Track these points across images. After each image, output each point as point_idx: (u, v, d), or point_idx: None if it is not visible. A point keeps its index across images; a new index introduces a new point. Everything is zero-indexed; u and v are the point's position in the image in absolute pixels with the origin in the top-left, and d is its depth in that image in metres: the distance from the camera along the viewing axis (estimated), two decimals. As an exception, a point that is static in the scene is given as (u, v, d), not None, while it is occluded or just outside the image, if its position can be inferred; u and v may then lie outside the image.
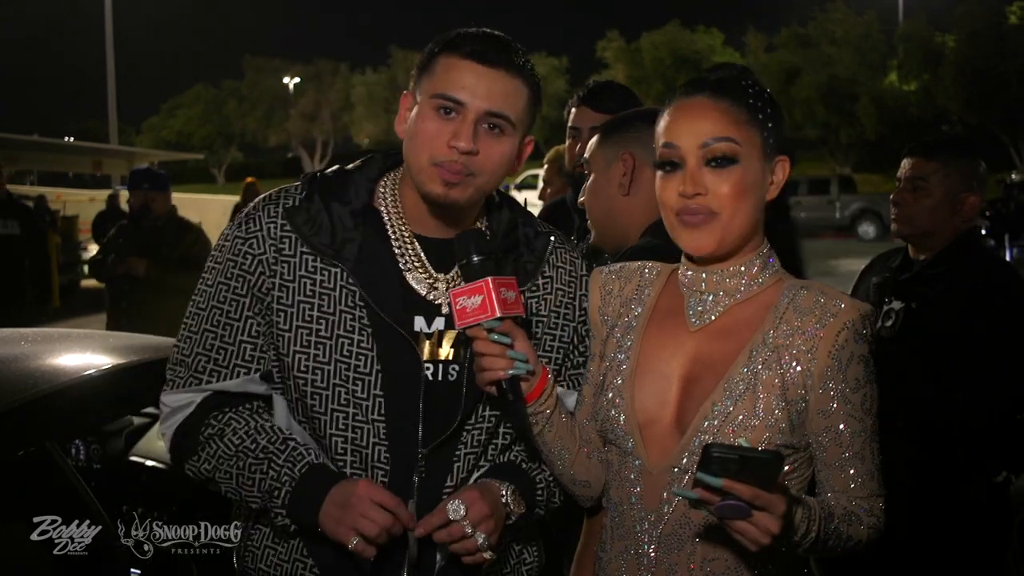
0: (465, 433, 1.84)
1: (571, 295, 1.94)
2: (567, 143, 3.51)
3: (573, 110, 3.40)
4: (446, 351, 1.83)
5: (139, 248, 6.24)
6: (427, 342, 1.82)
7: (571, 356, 1.95)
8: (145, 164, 8.01)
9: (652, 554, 1.72)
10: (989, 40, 38.40)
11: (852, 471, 1.69)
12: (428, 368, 1.82)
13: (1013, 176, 21.59)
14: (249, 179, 12.92)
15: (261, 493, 1.78)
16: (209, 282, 1.85)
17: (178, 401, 1.86)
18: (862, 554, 1.72)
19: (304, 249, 1.80)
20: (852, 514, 1.67)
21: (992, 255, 3.32)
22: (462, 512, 1.71)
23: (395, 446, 1.80)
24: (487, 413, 1.85)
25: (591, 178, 2.54)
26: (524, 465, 1.91)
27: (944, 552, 3.00)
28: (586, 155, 2.58)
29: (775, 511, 1.44)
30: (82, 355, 2.66)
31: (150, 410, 3.50)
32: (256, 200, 1.89)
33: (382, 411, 1.79)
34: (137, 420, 3.43)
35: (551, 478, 1.92)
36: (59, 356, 2.62)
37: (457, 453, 1.84)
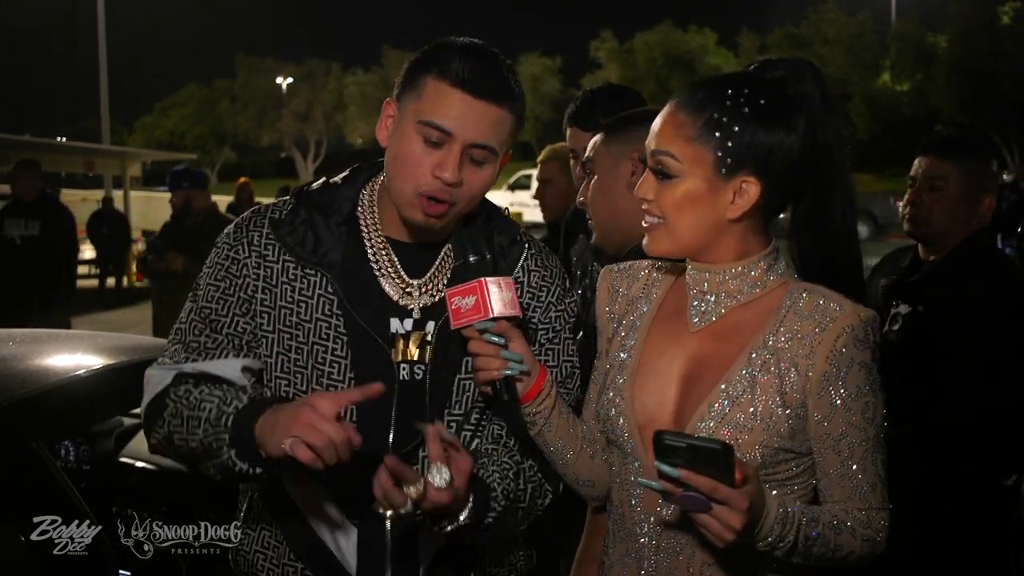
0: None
1: (540, 299, 1.94)
2: (571, 164, 3.42)
3: (567, 131, 3.33)
4: (413, 352, 1.85)
5: (180, 245, 6.61)
6: (400, 342, 1.85)
7: (539, 358, 1.92)
8: (147, 163, 8.38)
9: (652, 558, 1.71)
10: (982, 40, 38.50)
11: (853, 481, 1.66)
12: (404, 368, 1.84)
13: (1004, 177, 21.63)
14: (243, 179, 12.93)
15: (205, 432, 1.72)
16: (200, 284, 1.90)
17: (158, 375, 1.86)
18: (857, 567, 1.69)
19: (287, 257, 1.84)
20: (843, 523, 1.63)
21: (1001, 256, 3.32)
22: (445, 478, 1.62)
23: (366, 452, 1.78)
24: (448, 418, 1.86)
25: (595, 178, 2.53)
26: (481, 472, 1.82)
27: (948, 555, 2.99)
28: (588, 154, 2.57)
29: (736, 506, 1.42)
30: (71, 355, 2.65)
31: (140, 410, 3.48)
32: (249, 211, 1.94)
33: (354, 418, 1.80)
34: (127, 421, 3.42)
35: (520, 487, 1.86)
36: (47, 356, 2.61)
37: (420, 455, 1.84)
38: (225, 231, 1.92)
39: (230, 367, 1.84)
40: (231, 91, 61.82)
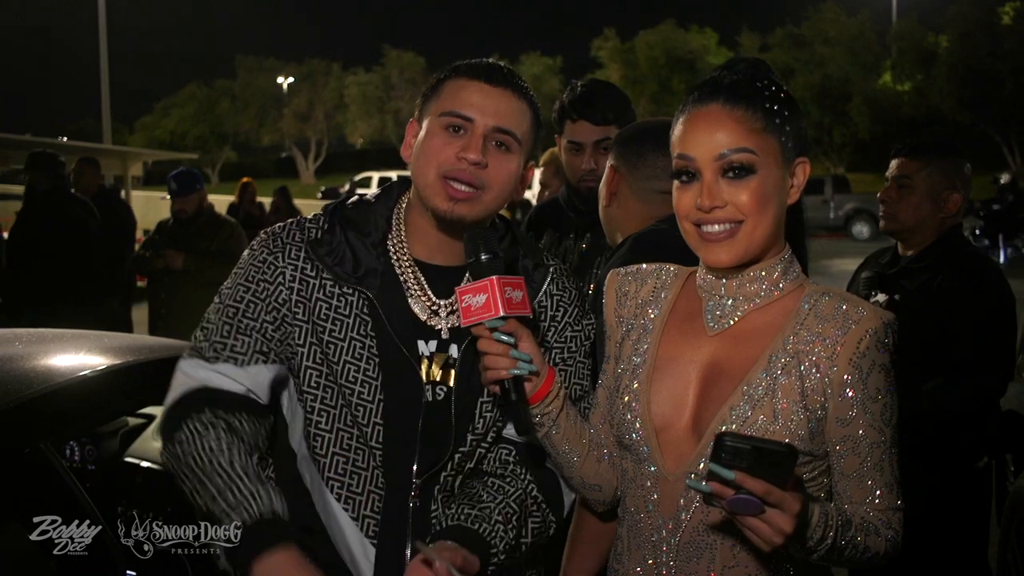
0: (454, 457, 1.86)
1: (557, 319, 1.94)
2: (572, 156, 3.39)
3: (573, 124, 3.30)
4: (437, 372, 1.86)
5: (177, 243, 6.67)
6: (425, 363, 1.85)
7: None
8: (183, 167, 8.55)
9: (671, 563, 1.70)
10: (982, 40, 38.50)
11: (870, 482, 1.66)
12: (428, 389, 1.84)
13: (1003, 178, 21.57)
14: (246, 179, 12.95)
15: (209, 506, 1.73)
16: (229, 285, 1.88)
17: (190, 368, 1.84)
18: (878, 567, 1.69)
19: (325, 275, 1.84)
20: (871, 525, 1.64)
21: (973, 251, 3.49)
22: None
23: (390, 472, 1.82)
24: (470, 437, 1.87)
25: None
26: (482, 528, 1.83)
27: (930, 540, 3.06)
28: None
29: (789, 509, 1.41)
30: (77, 356, 2.65)
31: (145, 411, 3.49)
32: (284, 223, 1.92)
33: (380, 439, 1.81)
34: (132, 421, 3.42)
35: (523, 529, 1.88)
36: (53, 356, 2.61)
37: (442, 475, 1.86)
38: (261, 236, 1.90)
39: (257, 378, 1.82)
40: (232, 91, 61.77)
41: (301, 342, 1.82)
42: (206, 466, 1.74)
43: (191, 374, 1.84)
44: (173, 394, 1.85)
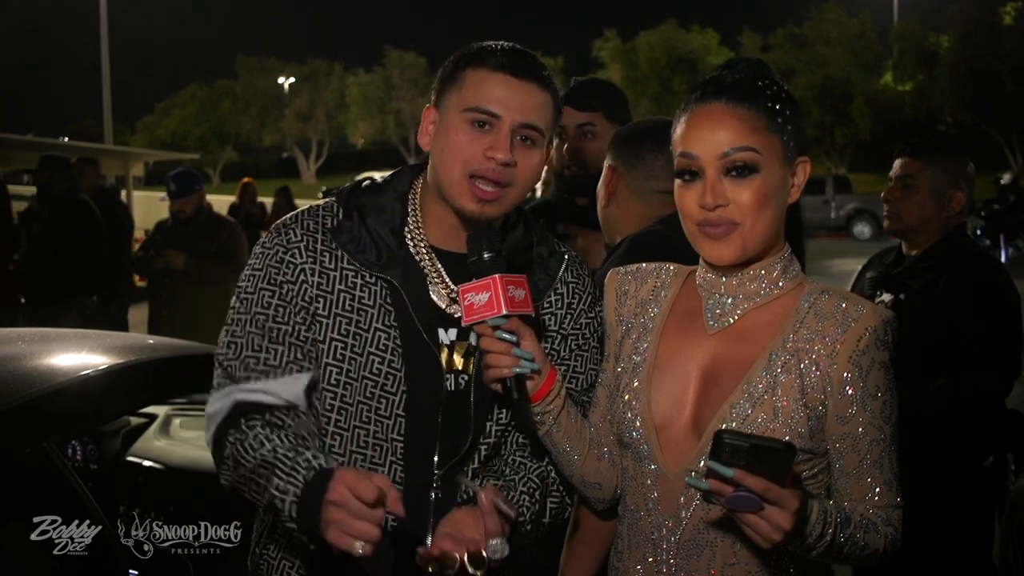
0: (475, 450, 1.85)
1: (572, 306, 1.93)
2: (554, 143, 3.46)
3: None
4: (458, 362, 1.84)
5: (177, 244, 6.71)
6: (446, 351, 1.83)
7: (567, 363, 1.93)
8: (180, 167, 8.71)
9: (672, 561, 1.70)
10: (984, 40, 38.48)
11: (870, 479, 1.66)
12: (449, 378, 1.82)
13: (1004, 178, 21.54)
14: (246, 179, 12.97)
15: (266, 502, 1.65)
16: (249, 289, 1.80)
17: (217, 406, 1.77)
18: (878, 565, 1.70)
19: (346, 264, 1.79)
20: (870, 522, 1.64)
21: (978, 250, 3.51)
22: (505, 552, 1.62)
23: (411, 466, 1.80)
24: (492, 427, 1.85)
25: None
26: (509, 495, 1.80)
27: (934, 539, 3.06)
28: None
29: (787, 507, 1.42)
30: (79, 355, 2.65)
31: (147, 410, 3.50)
32: (292, 214, 1.87)
33: (401, 431, 1.79)
34: (134, 420, 3.43)
35: (544, 507, 1.87)
36: (56, 356, 2.61)
37: (465, 469, 1.84)
38: (271, 234, 1.83)
39: (293, 388, 1.74)
40: (233, 91, 61.75)
41: (322, 338, 1.77)
42: (251, 463, 1.67)
43: (224, 403, 1.76)
44: (210, 429, 1.78)
